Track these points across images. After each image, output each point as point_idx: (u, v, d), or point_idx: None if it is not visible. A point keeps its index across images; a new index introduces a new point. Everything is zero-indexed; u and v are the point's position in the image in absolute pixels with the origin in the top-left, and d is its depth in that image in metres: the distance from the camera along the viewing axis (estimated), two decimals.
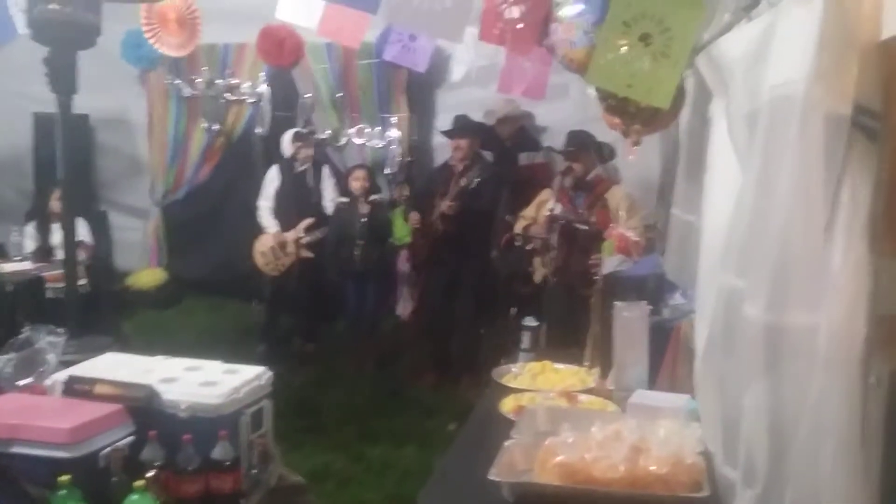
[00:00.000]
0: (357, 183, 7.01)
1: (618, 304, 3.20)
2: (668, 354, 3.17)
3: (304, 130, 7.56)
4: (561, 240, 5.57)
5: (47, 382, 2.64)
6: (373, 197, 7.12)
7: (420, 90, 8.09)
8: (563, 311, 5.32)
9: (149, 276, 8.77)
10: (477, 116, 7.28)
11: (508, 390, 3.30)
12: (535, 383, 3.43)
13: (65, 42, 3.60)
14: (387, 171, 8.07)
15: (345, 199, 7.09)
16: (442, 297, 6.80)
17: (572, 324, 4.84)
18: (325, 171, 7.53)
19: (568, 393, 3.20)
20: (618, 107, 3.07)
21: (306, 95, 8.21)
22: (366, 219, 6.91)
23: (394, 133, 8.11)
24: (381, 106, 8.12)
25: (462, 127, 6.78)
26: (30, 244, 7.46)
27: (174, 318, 8.29)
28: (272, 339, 7.32)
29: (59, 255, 6.35)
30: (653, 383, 3.13)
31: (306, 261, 7.12)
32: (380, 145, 8.14)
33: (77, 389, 2.56)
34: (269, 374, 2.80)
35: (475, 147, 6.74)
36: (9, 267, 6.89)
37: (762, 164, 1.93)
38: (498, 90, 6.05)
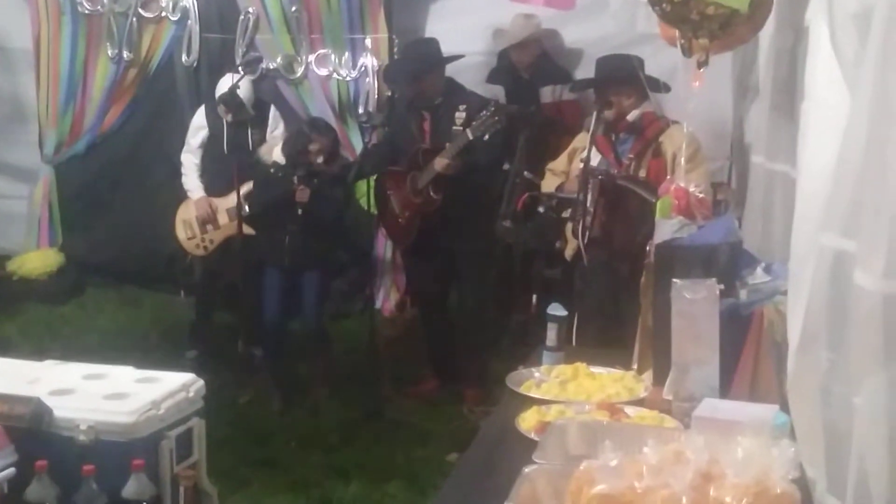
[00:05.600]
0: (311, 156, 6.73)
1: (677, 283, 3.17)
2: (746, 351, 3.15)
3: (240, 75, 7.35)
4: (599, 200, 5.53)
5: None
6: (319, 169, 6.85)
7: (406, 3, 8.08)
8: (602, 296, 5.30)
9: (38, 259, 8.77)
10: (483, 38, 7.25)
11: (529, 401, 3.30)
12: (564, 392, 3.42)
13: None
14: (359, 110, 8.05)
15: (274, 162, 6.82)
16: (437, 282, 6.81)
17: (614, 313, 4.83)
18: (274, 114, 7.52)
19: (610, 405, 3.19)
20: (675, 13, 3.04)
21: (248, 10, 8.18)
22: (302, 208, 6.69)
23: (368, 60, 8.08)
24: (350, 25, 8.11)
25: (425, 56, 6.67)
26: None
27: (73, 316, 8.31)
28: (206, 341, 7.33)
29: None
30: (726, 390, 3.11)
31: (248, 239, 7.10)
32: (349, 77, 8.12)
33: None
34: (200, 383, 2.80)
35: (442, 79, 6.64)
36: None
37: (879, 82, 1.91)
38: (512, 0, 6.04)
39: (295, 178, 6.60)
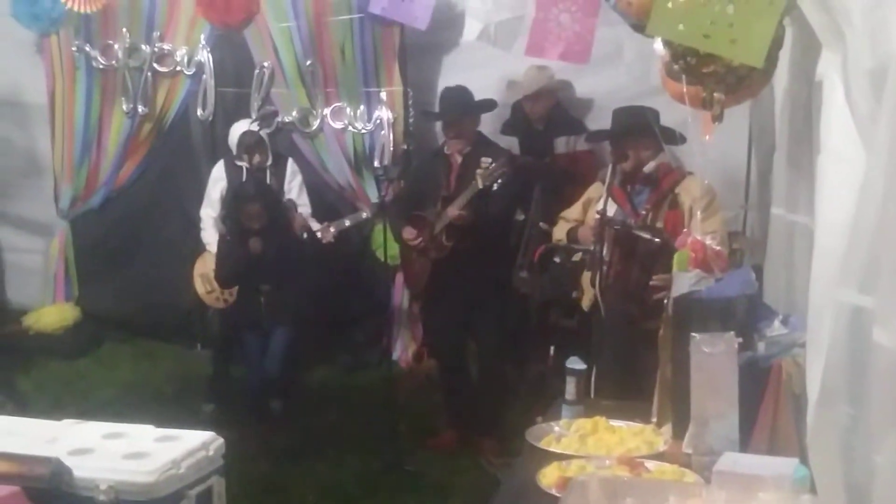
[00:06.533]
0: (251, 223, 6.83)
1: (695, 337, 3.18)
2: (765, 404, 3.15)
3: (257, 128, 7.51)
4: (616, 251, 5.55)
5: None
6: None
7: (419, 55, 8.12)
8: (621, 349, 5.29)
9: (54, 314, 8.79)
10: (497, 91, 7.29)
11: (549, 456, 3.30)
12: (585, 447, 3.42)
13: None
14: (375, 163, 8.08)
15: (229, 230, 6.98)
16: (454, 334, 6.82)
17: (633, 365, 4.82)
18: (292, 165, 7.59)
19: (630, 459, 3.18)
20: (696, 68, 3.06)
21: (263, 64, 8.24)
22: (260, 259, 6.82)
23: (384, 113, 8.12)
24: (365, 78, 8.15)
25: (456, 105, 6.76)
26: None
27: (89, 370, 8.31)
28: (223, 395, 7.32)
29: None
30: (746, 444, 3.12)
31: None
32: (365, 130, 8.16)
33: None
34: (220, 441, 2.80)
35: (475, 130, 6.75)
36: None
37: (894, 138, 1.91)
38: (526, 53, 6.06)
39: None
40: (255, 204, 6.82)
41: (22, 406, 5.56)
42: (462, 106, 6.71)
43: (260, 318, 6.87)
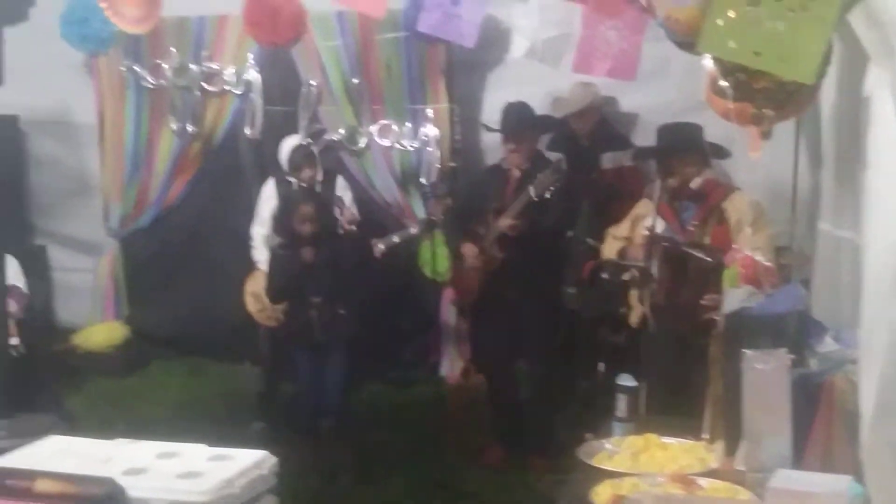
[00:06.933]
0: (304, 227, 6.82)
1: (747, 353, 3.18)
2: (818, 420, 3.14)
3: (307, 142, 7.59)
4: (665, 268, 5.55)
5: None
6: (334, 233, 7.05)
7: (465, 73, 8.15)
8: (671, 366, 5.30)
9: (103, 332, 8.87)
10: (542, 107, 7.30)
11: (602, 474, 3.30)
12: (637, 464, 3.42)
13: None
14: (422, 180, 8.10)
15: (281, 242, 7.00)
16: (503, 350, 6.82)
17: (684, 382, 4.81)
18: (342, 182, 7.64)
19: (683, 477, 3.18)
20: (742, 85, 3.06)
21: (311, 83, 8.29)
22: (317, 270, 6.80)
23: (430, 131, 8.14)
24: (412, 95, 8.18)
25: (518, 120, 6.79)
26: None
27: (139, 389, 8.37)
28: (273, 412, 7.36)
29: None
30: (799, 461, 3.10)
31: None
32: (412, 147, 8.18)
33: (10, 487, 2.57)
34: (273, 460, 2.82)
35: (535, 146, 6.77)
36: None
37: None
38: (573, 70, 6.06)
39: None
40: (307, 205, 6.86)
41: (71, 424, 5.60)
42: (525, 121, 6.76)
43: (311, 334, 6.87)
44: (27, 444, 2.91)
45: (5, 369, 3.96)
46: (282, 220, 6.99)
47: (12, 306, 6.50)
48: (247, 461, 2.75)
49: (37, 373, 7.01)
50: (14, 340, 6.88)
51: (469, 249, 6.73)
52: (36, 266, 8.70)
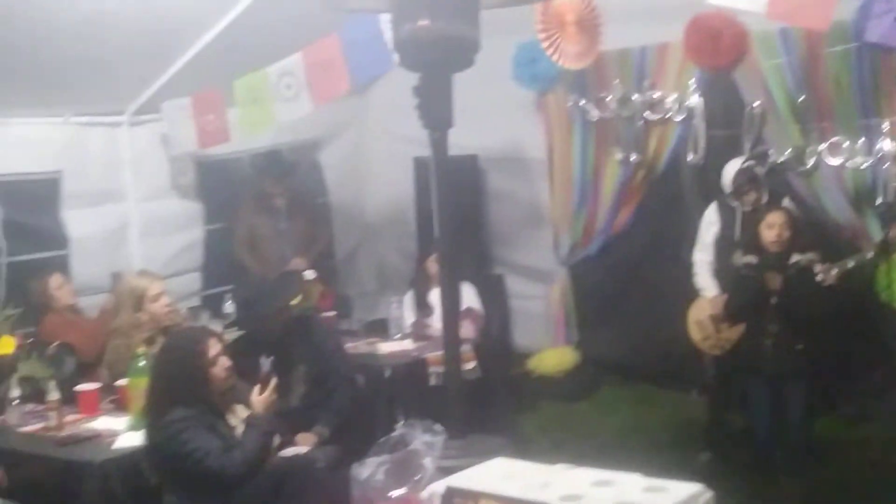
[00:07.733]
0: (772, 231, 6.68)
1: None
2: None
3: (751, 164, 7.44)
4: None
5: (423, 494, 2.82)
6: (795, 258, 6.77)
7: None
8: None
9: (555, 357, 9.13)
10: None
11: None
12: None
13: (436, 64, 3.91)
14: (878, 201, 7.69)
15: (750, 259, 6.80)
16: None
17: None
18: (788, 205, 7.45)
19: None
20: None
21: (755, 105, 8.10)
22: (778, 296, 6.56)
23: (886, 146, 7.70)
24: (864, 109, 7.75)
25: None
26: (410, 317, 8.13)
27: (588, 414, 8.54)
28: (720, 444, 7.26)
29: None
30: None
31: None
32: (864, 165, 7.78)
33: None
34: (709, 494, 2.76)
35: None
36: (386, 347, 7.59)
37: None
38: None
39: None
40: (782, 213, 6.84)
41: (521, 447, 5.77)
42: None
43: (763, 363, 6.70)
44: (476, 463, 3.04)
45: (460, 392, 4.15)
46: (749, 238, 6.91)
47: (468, 328, 6.83)
48: (681, 494, 2.72)
49: (492, 395, 7.35)
50: (470, 364, 7.27)
51: None
52: (494, 294, 9.17)
